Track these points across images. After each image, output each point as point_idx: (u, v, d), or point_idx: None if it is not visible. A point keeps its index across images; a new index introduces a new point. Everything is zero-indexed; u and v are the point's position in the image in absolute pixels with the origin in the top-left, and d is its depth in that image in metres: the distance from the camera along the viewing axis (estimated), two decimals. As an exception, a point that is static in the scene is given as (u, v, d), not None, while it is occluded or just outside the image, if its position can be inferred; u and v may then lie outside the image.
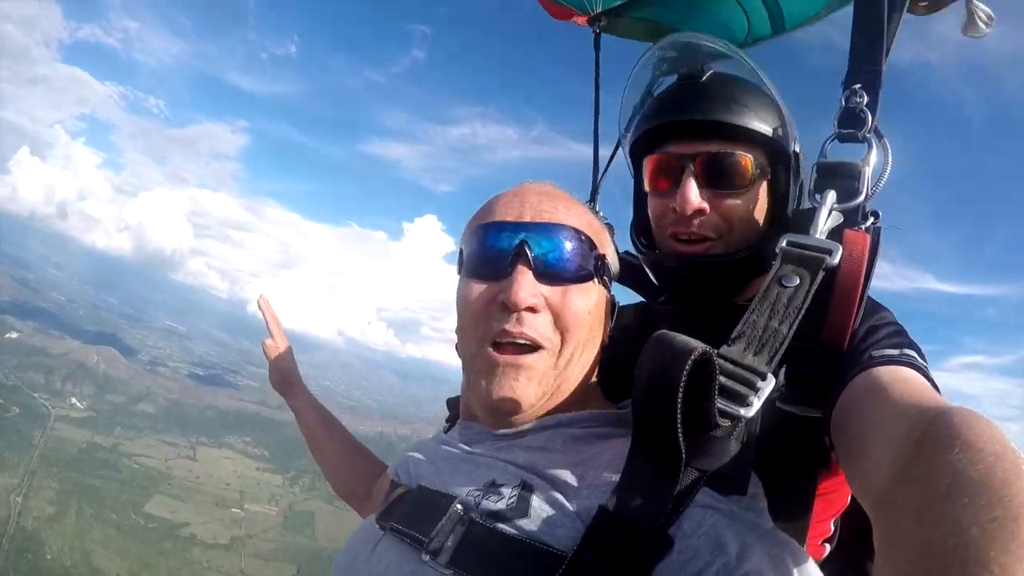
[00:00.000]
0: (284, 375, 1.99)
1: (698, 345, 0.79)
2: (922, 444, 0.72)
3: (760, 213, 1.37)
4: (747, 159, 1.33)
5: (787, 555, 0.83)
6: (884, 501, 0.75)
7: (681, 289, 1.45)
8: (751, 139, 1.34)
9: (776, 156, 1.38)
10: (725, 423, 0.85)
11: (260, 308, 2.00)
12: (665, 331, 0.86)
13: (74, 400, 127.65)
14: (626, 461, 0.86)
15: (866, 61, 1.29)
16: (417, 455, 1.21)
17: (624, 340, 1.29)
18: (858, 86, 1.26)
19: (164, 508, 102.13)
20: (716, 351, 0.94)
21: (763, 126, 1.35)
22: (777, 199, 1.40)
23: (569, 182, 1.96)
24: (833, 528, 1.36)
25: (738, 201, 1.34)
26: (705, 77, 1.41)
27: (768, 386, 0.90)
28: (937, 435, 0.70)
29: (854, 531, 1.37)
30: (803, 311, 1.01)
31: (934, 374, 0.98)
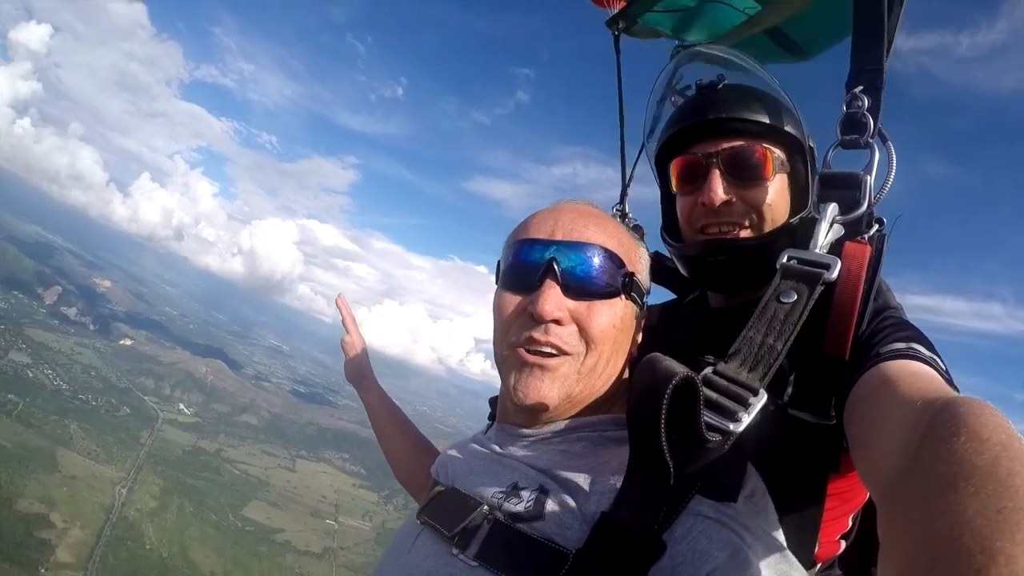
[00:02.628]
0: (359, 369, 2.14)
1: (680, 370, 0.85)
2: (928, 433, 0.72)
3: (783, 204, 1.42)
4: (768, 151, 1.39)
5: (773, 561, 0.85)
6: (890, 490, 0.76)
7: (714, 276, 1.49)
8: (769, 134, 1.41)
9: (793, 150, 1.45)
10: (715, 437, 0.91)
11: (338, 306, 2.17)
12: (655, 354, 0.92)
13: (182, 406, 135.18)
14: (625, 472, 0.93)
15: (867, 59, 1.31)
16: (455, 454, 1.31)
17: (648, 341, 1.35)
18: (859, 89, 1.28)
19: (261, 513, 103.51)
20: (712, 368, 1.04)
21: (779, 122, 1.42)
22: (797, 192, 1.45)
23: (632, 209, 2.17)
24: (851, 523, 1.39)
25: (762, 192, 1.38)
26: (721, 85, 1.49)
27: (760, 401, 0.96)
28: (943, 424, 0.70)
29: (870, 525, 1.39)
30: (798, 328, 1.05)
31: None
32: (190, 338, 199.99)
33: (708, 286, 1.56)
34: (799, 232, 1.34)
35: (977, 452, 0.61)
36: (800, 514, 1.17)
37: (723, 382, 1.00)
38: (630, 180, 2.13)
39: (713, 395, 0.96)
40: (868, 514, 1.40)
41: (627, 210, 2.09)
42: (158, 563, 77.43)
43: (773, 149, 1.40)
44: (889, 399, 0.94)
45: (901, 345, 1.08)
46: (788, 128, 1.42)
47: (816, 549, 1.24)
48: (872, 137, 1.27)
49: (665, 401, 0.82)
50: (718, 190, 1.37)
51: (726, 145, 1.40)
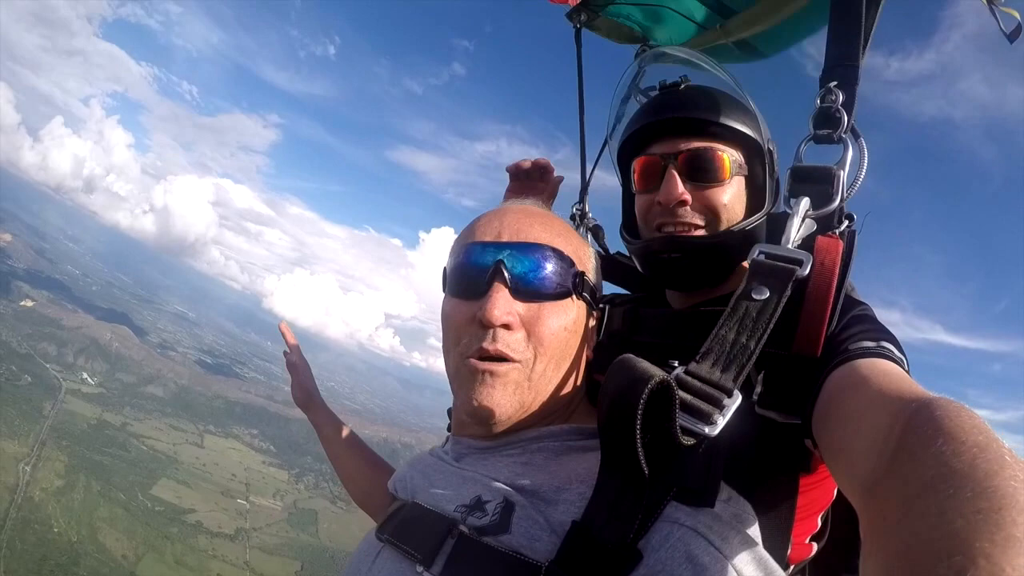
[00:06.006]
0: (306, 393, 2.09)
1: (656, 373, 0.81)
2: (905, 436, 0.72)
3: (740, 205, 1.42)
4: (725, 154, 1.40)
5: (754, 567, 0.83)
6: (869, 494, 0.75)
7: (669, 272, 1.47)
8: (728, 136, 1.41)
9: (752, 153, 1.44)
10: (689, 441, 0.87)
11: (282, 332, 2.16)
12: (628, 356, 0.88)
13: (86, 375, 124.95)
14: (596, 479, 0.89)
15: (843, 55, 1.29)
16: (413, 469, 1.26)
17: (611, 346, 1.33)
18: (833, 84, 1.26)
19: (171, 492, 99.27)
20: (684, 368, 0.98)
21: (739, 125, 1.41)
22: (754, 193, 1.45)
23: (591, 208, 2.13)
24: (821, 523, 1.36)
25: (719, 193, 1.39)
26: (683, 86, 1.52)
27: (734, 403, 0.91)
28: (920, 427, 0.70)
29: (848, 529, 1.38)
30: (771, 325, 1.01)
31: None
32: (93, 301, 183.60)
33: (664, 283, 1.54)
34: (770, 230, 1.32)
35: (955, 454, 0.61)
36: (772, 517, 1.14)
37: (696, 383, 0.94)
38: (590, 176, 2.13)
39: (687, 397, 0.91)
40: (838, 520, 1.39)
41: (587, 209, 2.11)
42: (67, 548, 72.68)
43: (730, 151, 1.40)
44: (862, 398, 0.92)
45: (871, 343, 1.06)
46: (746, 130, 1.41)
47: (788, 551, 1.22)
48: (845, 132, 1.25)
49: (641, 404, 0.79)
50: (675, 190, 1.37)
51: (684, 146, 1.40)
